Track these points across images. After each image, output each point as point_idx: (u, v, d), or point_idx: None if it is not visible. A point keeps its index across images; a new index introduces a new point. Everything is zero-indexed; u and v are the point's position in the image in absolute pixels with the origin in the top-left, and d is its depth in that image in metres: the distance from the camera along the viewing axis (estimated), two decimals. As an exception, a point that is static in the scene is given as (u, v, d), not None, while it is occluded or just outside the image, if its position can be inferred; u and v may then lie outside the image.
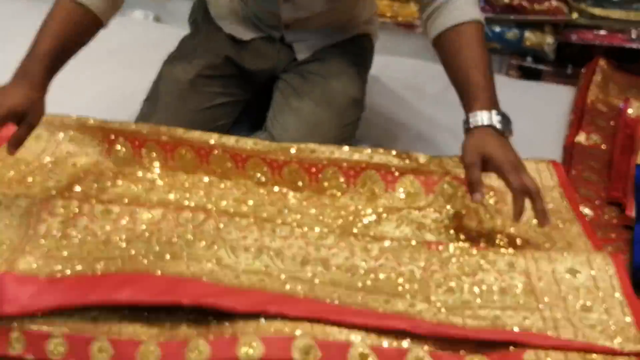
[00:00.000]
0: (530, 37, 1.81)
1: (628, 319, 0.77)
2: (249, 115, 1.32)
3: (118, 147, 1.10)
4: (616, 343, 0.73)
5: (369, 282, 0.83)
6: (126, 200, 0.98)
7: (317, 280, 0.82)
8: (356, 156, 1.05)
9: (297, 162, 1.05)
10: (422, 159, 1.06)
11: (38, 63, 0.94)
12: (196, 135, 1.08)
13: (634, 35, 1.70)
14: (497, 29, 1.85)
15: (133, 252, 0.86)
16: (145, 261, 0.83)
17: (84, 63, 1.14)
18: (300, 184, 1.05)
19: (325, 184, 1.05)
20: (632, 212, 1.05)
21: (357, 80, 1.27)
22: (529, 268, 0.85)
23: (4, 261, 0.83)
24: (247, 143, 1.06)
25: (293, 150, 1.05)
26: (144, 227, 0.90)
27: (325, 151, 1.05)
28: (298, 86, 1.23)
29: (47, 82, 0.96)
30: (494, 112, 0.91)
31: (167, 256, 0.84)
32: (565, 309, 0.79)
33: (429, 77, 1.54)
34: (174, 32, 1.57)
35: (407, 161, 1.06)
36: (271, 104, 1.26)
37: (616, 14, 1.71)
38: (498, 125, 0.91)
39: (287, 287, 0.80)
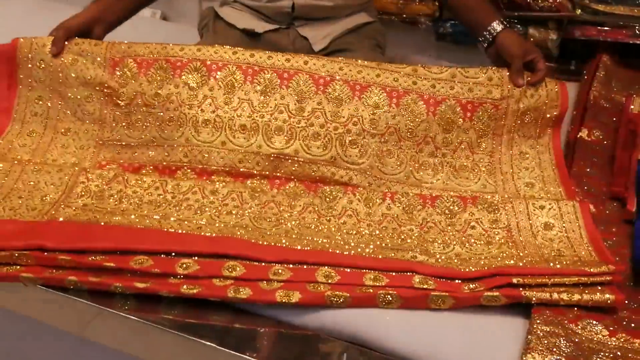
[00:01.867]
0: (534, 33, 1.81)
1: (594, 257, 0.93)
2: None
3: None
4: (586, 268, 0.88)
5: (375, 241, 0.99)
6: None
7: (331, 241, 0.97)
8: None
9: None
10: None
11: None
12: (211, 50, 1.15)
13: (637, 31, 1.71)
14: (501, 25, 1.86)
15: (159, 217, 1.01)
16: (176, 223, 0.99)
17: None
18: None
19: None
20: (633, 207, 1.06)
21: (377, 58, 1.31)
22: (510, 224, 1.02)
23: (45, 212, 0.98)
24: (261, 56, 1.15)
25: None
26: (170, 196, 1.05)
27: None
28: None
29: (113, 12, 1.20)
30: (500, 19, 1.18)
31: (202, 222, 1.01)
32: (541, 255, 0.94)
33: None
34: (181, 30, 1.60)
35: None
36: None
37: (620, 9, 1.71)
38: (509, 26, 1.18)
39: (308, 245, 0.96)
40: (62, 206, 1.01)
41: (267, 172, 1.09)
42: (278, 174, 1.09)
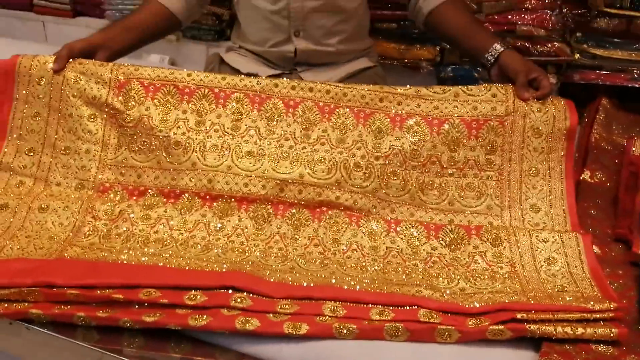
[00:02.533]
0: (534, 77, 1.84)
1: (596, 292, 0.93)
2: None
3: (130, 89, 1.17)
4: (589, 305, 0.89)
5: (380, 276, 0.99)
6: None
7: (336, 276, 0.98)
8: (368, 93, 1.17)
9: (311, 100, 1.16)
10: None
11: (115, 25, 1.27)
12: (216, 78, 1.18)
13: (636, 75, 1.74)
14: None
15: (169, 254, 1.02)
16: (183, 261, 1.00)
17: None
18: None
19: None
20: (638, 249, 1.06)
21: None
22: (514, 258, 1.02)
23: (54, 251, 1.00)
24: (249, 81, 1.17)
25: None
26: (176, 234, 1.06)
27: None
28: None
29: (119, 41, 1.24)
30: (500, 41, 1.23)
31: (211, 259, 1.01)
32: (544, 291, 0.95)
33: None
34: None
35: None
36: None
37: (618, 54, 1.75)
38: (509, 47, 1.22)
39: (313, 281, 0.96)
40: (70, 245, 1.02)
41: (272, 196, 1.09)
42: (282, 198, 1.09)
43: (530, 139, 1.14)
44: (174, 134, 1.13)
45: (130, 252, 1.02)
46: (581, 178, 1.27)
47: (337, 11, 1.32)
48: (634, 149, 1.31)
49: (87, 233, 1.05)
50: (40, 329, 0.90)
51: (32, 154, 1.15)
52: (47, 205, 1.08)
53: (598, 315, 0.88)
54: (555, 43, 1.81)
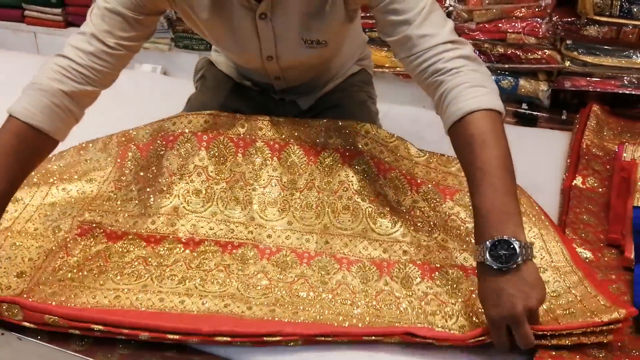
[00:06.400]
0: (525, 84, 1.86)
1: (604, 303, 0.87)
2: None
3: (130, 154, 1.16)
4: (596, 318, 0.83)
5: (372, 312, 0.93)
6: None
7: (323, 313, 0.91)
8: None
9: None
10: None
11: None
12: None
13: (626, 81, 1.75)
14: (493, 77, 1.90)
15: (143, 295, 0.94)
16: (156, 298, 0.93)
17: (94, 114, 1.18)
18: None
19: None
20: (631, 254, 1.06)
21: (368, 111, 1.33)
22: None
23: (21, 291, 0.93)
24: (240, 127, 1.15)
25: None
26: (152, 268, 0.99)
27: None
28: None
29: None
30: (489, 242, 0.81)
31: (186, 292, 0.95)
32: (554, 318, 0.88)
33: (427, 125, 1.57)
34: (180, 84, 1.64)
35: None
36: None
37: (608, 61, 1.77)
38: (494, 265, 0.80)
39: (300, 316, 0.90)
40: (37, 285, 0.95)
41: (259, 242, 1.06)
42: (269, 244, 1.06)
43: None
44: (158, 181, 1.11)
45: (104, 286, 0.95)
46: (573, 184, 1.27)
47: (317, 63, 1.23)
48: (625, 154, 1.32)
49: (58, 268, 0.98)
50: (32, 339, 0.90)
51: (17, 202, 1.09)
52: (22, 243, 1.02)
53: (606, 328, 0.83)
54: (545, 51, 1.82)
